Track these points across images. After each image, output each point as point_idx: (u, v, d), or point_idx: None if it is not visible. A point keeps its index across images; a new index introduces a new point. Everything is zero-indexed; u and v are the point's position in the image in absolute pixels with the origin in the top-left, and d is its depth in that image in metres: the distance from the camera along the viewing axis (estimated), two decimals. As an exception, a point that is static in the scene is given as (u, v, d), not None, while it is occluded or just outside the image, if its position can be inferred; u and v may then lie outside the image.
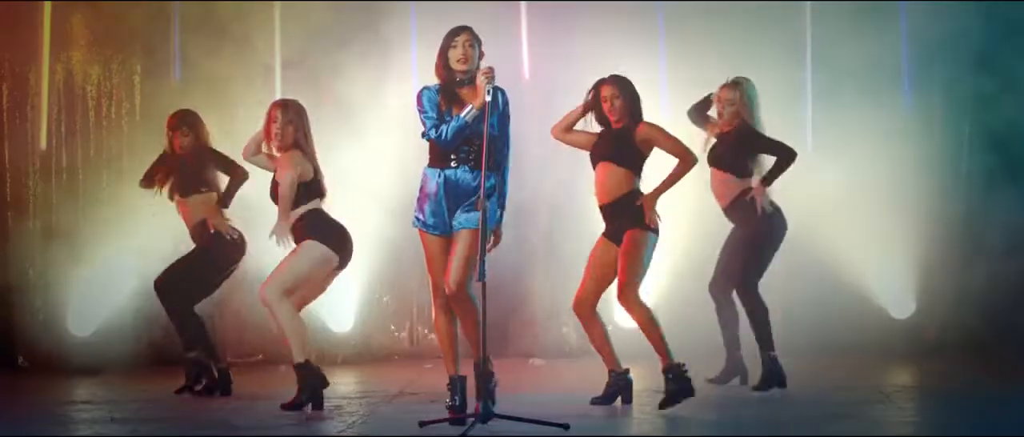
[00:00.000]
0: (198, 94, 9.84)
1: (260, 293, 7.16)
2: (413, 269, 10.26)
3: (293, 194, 7.18)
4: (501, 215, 6.86)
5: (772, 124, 8.17)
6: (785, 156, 7.84)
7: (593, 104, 7.33)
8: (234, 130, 8.89)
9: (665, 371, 7.02)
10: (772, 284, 8.08)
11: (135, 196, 9.57)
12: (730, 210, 8.03)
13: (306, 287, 7.28)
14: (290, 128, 7.21)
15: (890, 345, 10.07)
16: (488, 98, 6.52)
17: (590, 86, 7.40)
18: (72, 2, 10.37)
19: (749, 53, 9.87)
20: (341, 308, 10.22)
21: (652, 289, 9.84)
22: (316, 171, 7.34)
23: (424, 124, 6.71)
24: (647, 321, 7.05)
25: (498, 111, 6.74)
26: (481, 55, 6.78)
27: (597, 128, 7.39)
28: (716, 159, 8.02)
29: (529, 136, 9.84)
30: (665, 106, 9.96)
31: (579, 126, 7.43)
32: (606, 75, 7.35)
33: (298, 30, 10.33)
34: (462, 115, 6.62)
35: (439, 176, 6.72)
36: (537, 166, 10.15)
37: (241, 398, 7.95)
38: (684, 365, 7.01)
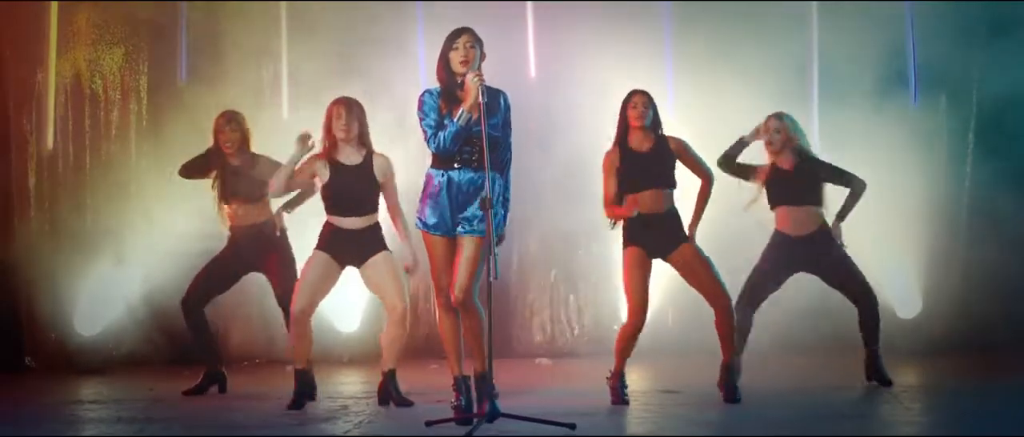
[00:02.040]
0: (204, 95, 9.85)
1: (398, 313, 7.30)
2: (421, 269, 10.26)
3: None
4: (505, 217, 6.83)
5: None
6: (857, 187, 7.78)
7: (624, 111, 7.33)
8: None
9: (724, 366, 7.37)
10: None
11: (141, 196, 9.59)
12: (812, 239, 7.81)
13: (325, 292, 7.39)
14: (356, 124, 7.30)
15: (897, 344, 10.05)
16: (483, 99, 6.44)
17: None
18: (79, 2, 10.37)
19: (755, 54, 9.87)
20: (347, 308, 10.21)
21: (658, 295, 9.87)
22: None
23: (424, 131, 6.65)
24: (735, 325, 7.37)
25: (500, 114, 6.70)
26: (483, 57, 6.69)
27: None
28: (787, 196, 7.82)
29: (534, 135, 9.84)
30: (671, 108, 9.96)
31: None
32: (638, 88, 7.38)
33: (304, 31, 10.33)
34: (456, 120, 6.56)
35: (442, 177, 6.68)
36: (540, 164, 10.13)
37: (247, 398, 7.96)
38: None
